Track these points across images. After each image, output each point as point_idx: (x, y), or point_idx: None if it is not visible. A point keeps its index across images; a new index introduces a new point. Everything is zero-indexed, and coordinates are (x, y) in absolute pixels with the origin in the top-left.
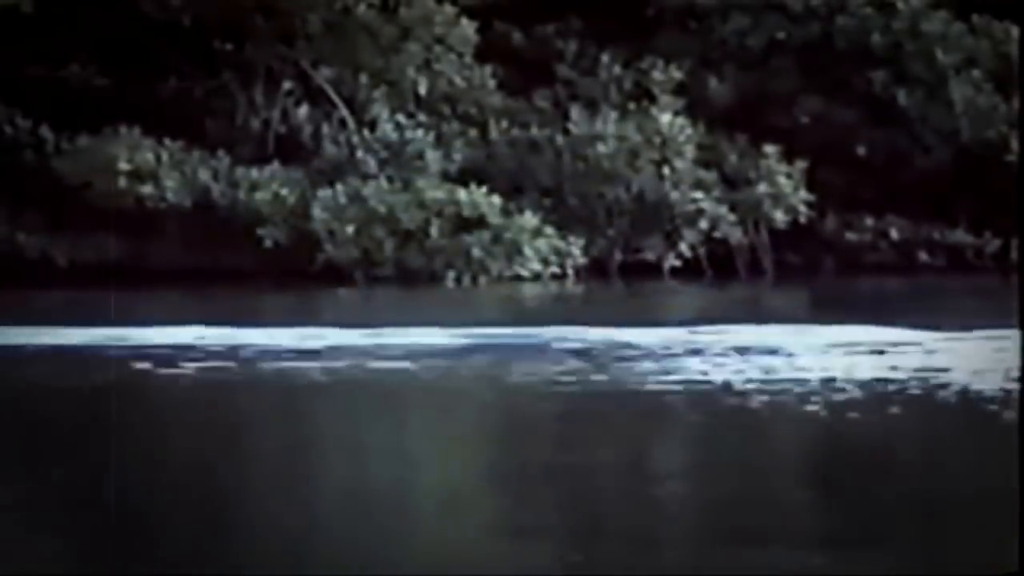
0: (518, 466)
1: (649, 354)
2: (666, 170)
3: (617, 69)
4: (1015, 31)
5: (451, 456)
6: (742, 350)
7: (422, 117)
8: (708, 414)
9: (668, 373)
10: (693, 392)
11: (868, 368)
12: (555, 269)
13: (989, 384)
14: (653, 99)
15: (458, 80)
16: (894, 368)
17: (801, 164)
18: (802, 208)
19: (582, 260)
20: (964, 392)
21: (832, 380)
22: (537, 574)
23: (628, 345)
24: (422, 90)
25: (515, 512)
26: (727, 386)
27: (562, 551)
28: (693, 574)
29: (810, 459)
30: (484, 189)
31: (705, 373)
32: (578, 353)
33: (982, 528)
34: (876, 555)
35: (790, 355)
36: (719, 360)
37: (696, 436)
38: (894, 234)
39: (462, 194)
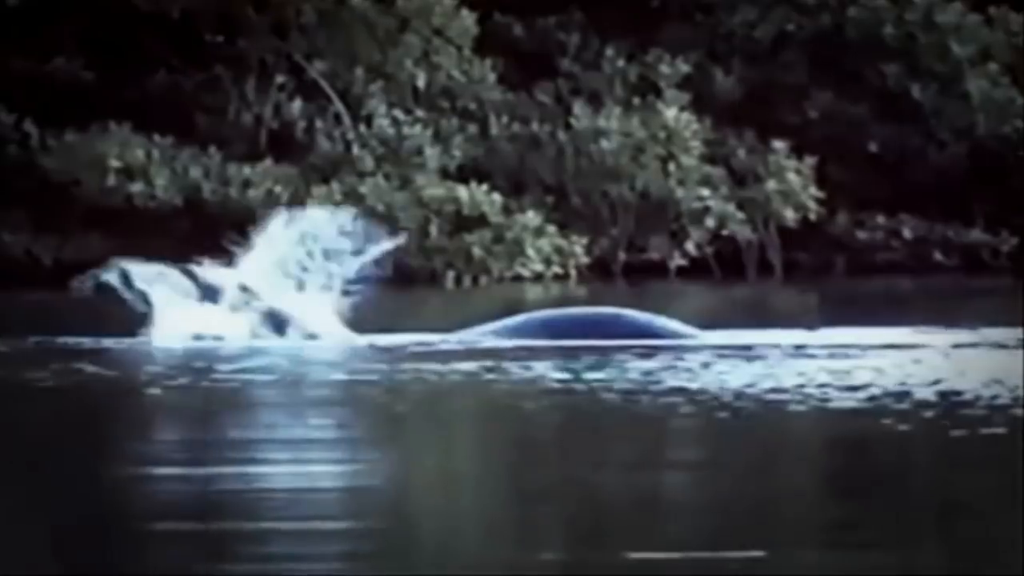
0: None
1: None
2: (672, 166)
3: (621, 62)
4: None
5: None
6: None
7: (420, 112)
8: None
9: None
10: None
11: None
12: (557, 269)
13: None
14: (658, 93)
15: (457, 74)
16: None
17: (811, 160)
18: (812, 206)
19: (585, 260)
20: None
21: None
22: None
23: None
24: (420, 84)
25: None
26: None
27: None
28: None
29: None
30: (484, 187)
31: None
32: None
33: (988, 531)
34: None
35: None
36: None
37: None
38: (907, 233)
39: (462, 192)
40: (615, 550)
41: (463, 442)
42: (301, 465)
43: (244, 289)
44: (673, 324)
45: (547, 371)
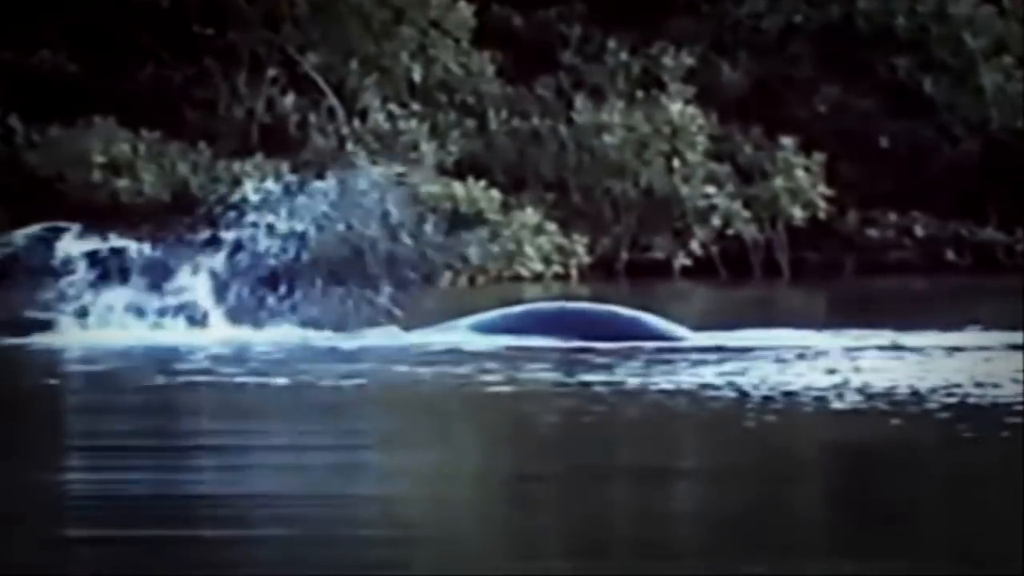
0: None
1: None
2: (676, 163)
3: (624, 55)
4: None
5: None
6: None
7: (416, 106)
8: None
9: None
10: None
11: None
12: (558, 268)
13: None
14: (662, 87)
15: (454, 67)
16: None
17: (820, 157)
18: (821, 203)
19: (586, 259)
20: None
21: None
22: None
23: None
24: (416, 77)
25: None
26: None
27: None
28: None
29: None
30: (482, 183)
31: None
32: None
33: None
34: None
35: None
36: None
37: None
38: (919, 231)
39: (459, 188)
40: (614, 558)
41: (450, 443)
42: (292, 470)
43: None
44: (666, 324)
45: (529, 368)
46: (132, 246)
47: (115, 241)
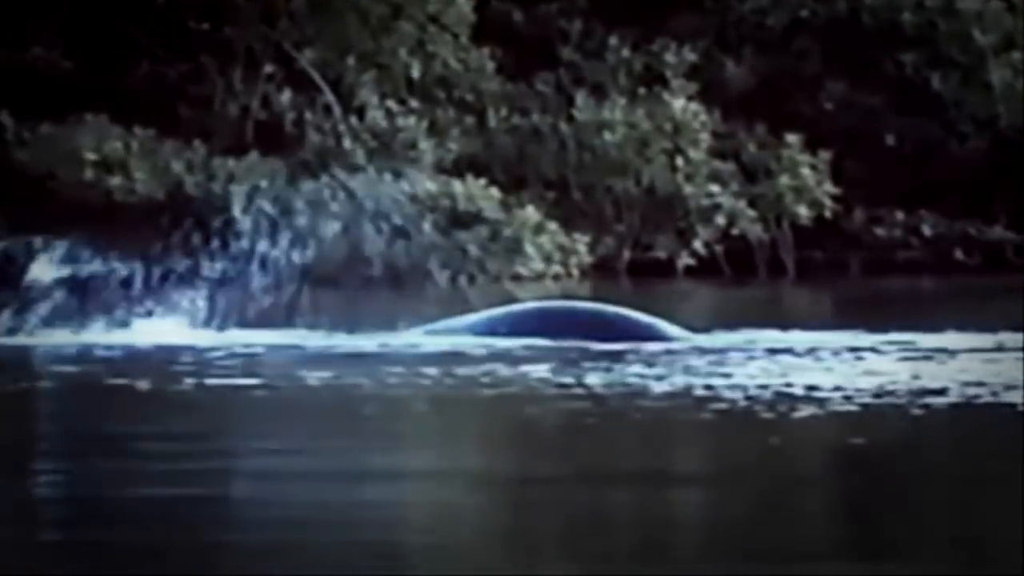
0: None
1: None
2: (679, 161)
3: (626, 51)
4: None
5: None
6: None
7: (414, 103)
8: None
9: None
10: None
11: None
12: (558, 268)
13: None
14: (665, 84)
15: (454, 63)
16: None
17: (825, 154)
18: (827, 202)
19: (588, 258)
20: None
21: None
22: None
23: None
24: (415, 74)
25: None
26: None
27: None
28: None
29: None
30: (482, 181)
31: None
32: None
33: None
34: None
35: None
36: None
37: None
38: (926, 230)
39: (457, 187)
40: (616, 561)
41: (449, 445)
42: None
43: None
44: (668, 325)
45: (517, 368)
46: (113, 269)
47: (92, 265)
